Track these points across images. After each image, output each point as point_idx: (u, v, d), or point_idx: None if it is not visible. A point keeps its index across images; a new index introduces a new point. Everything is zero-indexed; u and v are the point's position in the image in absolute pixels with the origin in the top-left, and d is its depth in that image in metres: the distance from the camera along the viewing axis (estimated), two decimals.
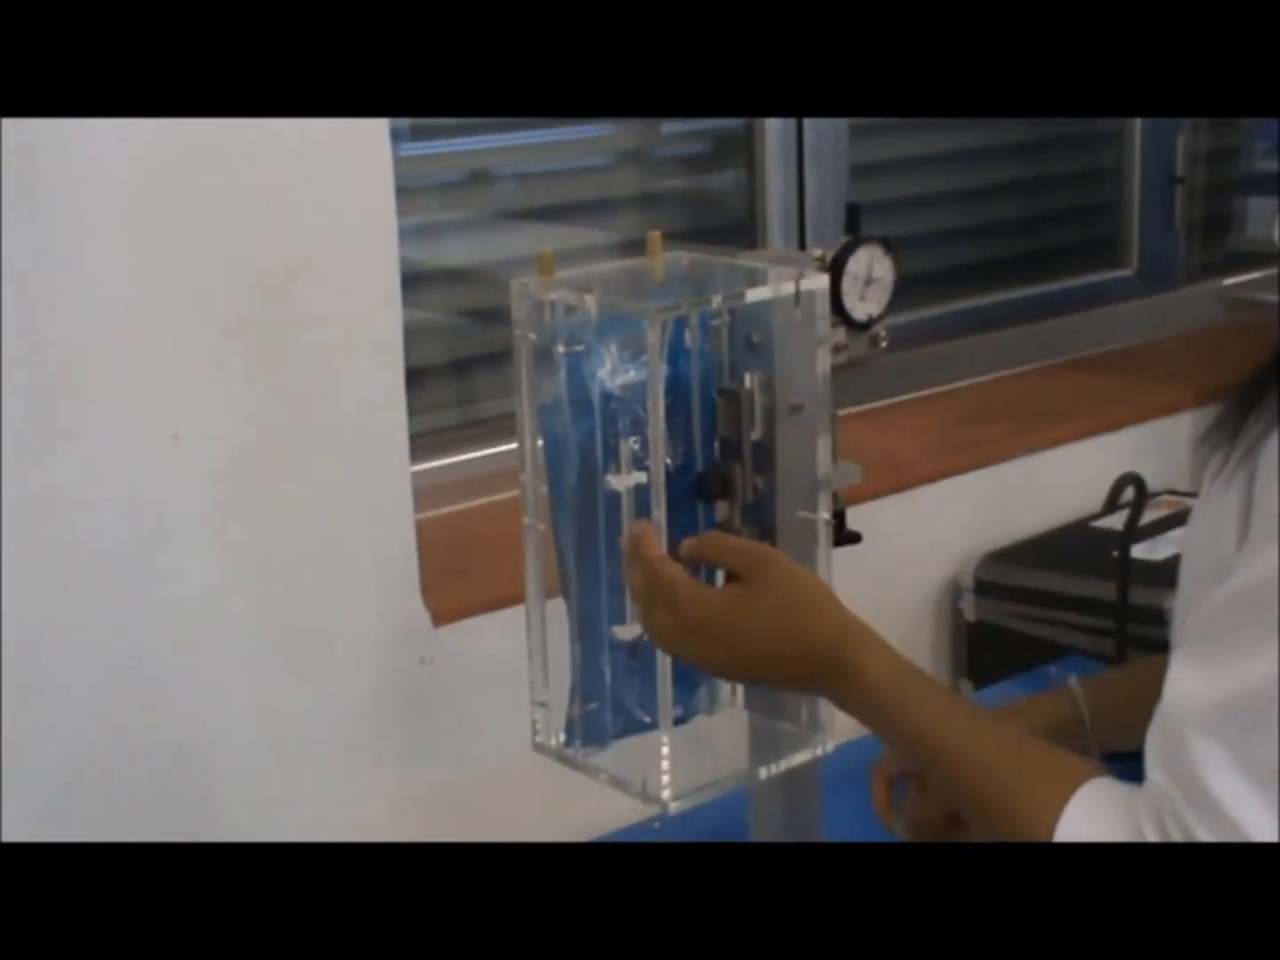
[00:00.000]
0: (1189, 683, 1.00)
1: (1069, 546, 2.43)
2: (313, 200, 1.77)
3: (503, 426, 2.16)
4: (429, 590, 1.93)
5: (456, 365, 2.30)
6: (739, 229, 2.49)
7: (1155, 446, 2.59)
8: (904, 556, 2.37)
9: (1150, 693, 1.04)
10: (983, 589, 2.40)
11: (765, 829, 1.55)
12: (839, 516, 1.51)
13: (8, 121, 1.52)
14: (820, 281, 1.35)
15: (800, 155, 2.45)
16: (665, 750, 1.36)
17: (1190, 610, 1.04)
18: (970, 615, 2.42)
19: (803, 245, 2.46)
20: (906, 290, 2.34)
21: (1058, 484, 2.52)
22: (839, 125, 2.49)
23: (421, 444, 1.97)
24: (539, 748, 1.45)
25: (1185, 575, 1.10)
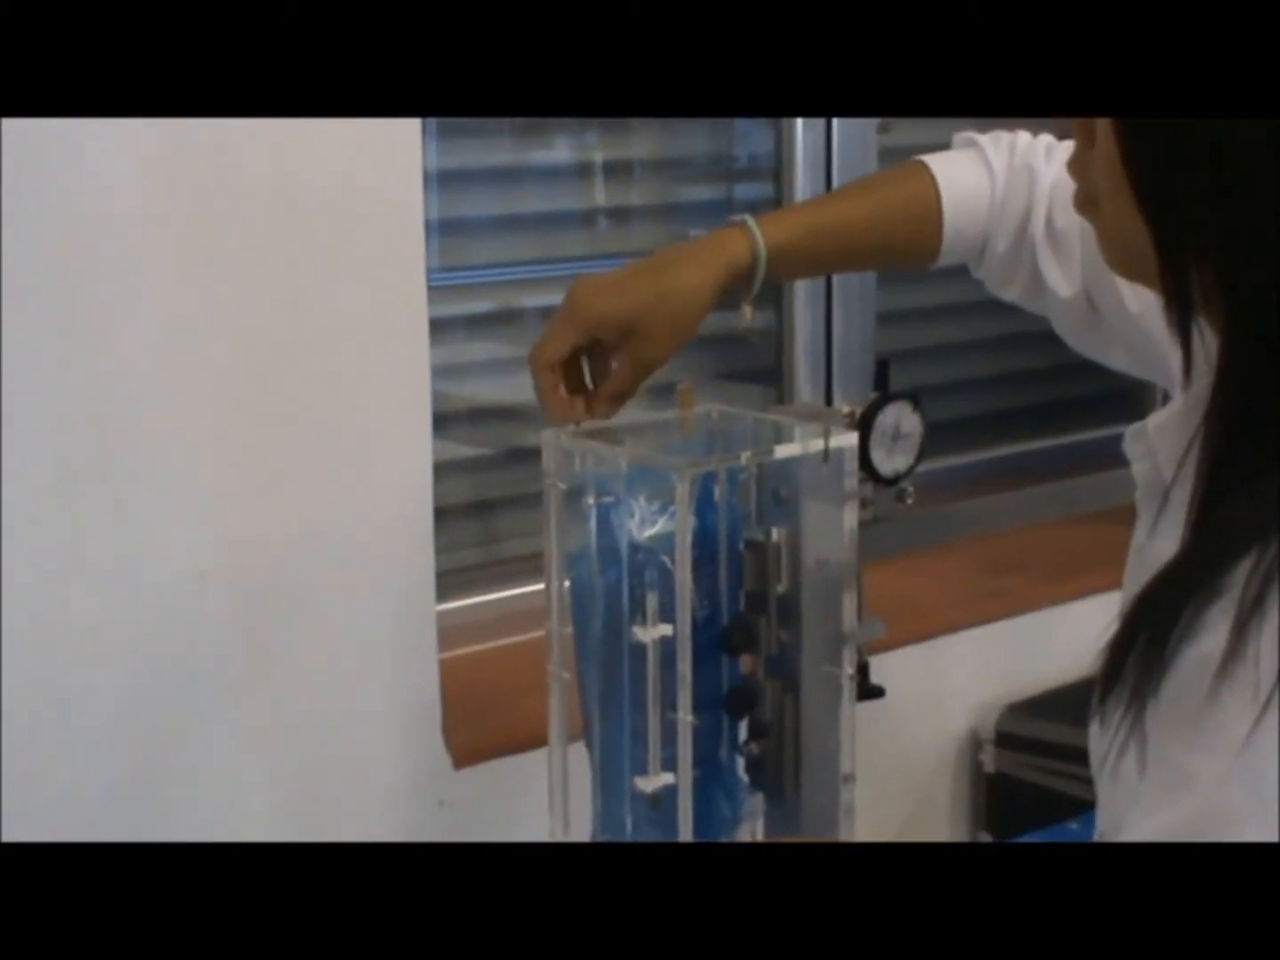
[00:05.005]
0: None
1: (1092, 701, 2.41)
2: (342, 345, 1.78)
3: (524, 567, 2.17)
4: (449, 731, 1.92)
5: (479, 504, 2.30)
6: (768, 372, 2.50)
7: None
8: (924, 706, 2.36)
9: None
10: (1004, 741, 2.38)
11: None
12: (863, 670, 1.51)
13: None
14: (849, 439, 1.35)
15: (829, 300, 2.47)
16: None
17: None
18: (990, 767, 2.40)
19: (829, 389, 2.47)
20: (930, 439, 2.36)
21: (1081, 636, 2.47)
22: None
23: (442, 583, 1.97)
24: None
25: None
